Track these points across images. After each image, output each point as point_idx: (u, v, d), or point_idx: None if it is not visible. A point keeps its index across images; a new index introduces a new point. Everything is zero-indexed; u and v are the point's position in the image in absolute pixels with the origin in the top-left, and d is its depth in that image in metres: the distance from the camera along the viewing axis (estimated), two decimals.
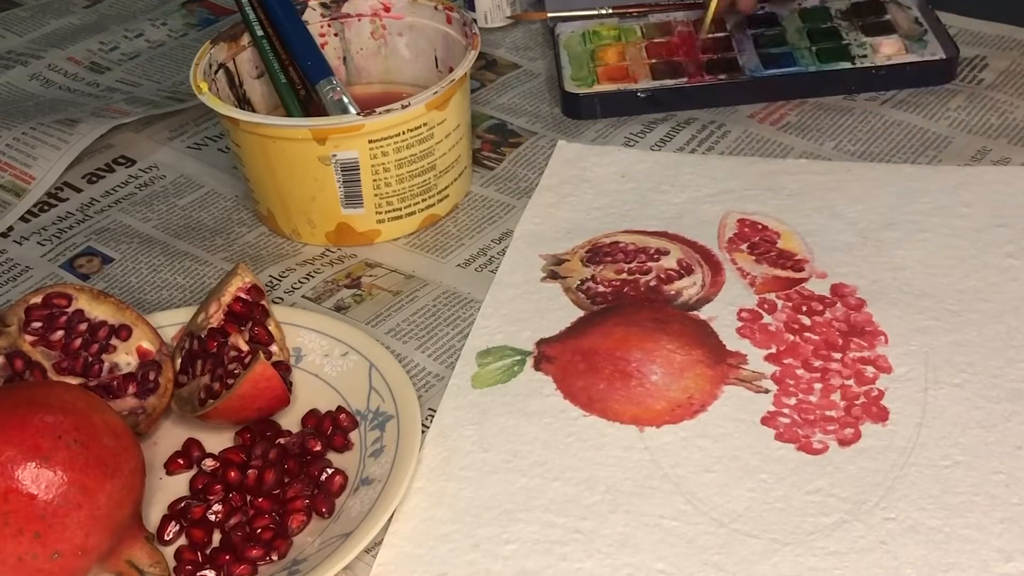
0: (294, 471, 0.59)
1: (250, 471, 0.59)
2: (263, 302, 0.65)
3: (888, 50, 0.83)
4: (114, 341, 0.63)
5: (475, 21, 0.79)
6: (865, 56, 0.83)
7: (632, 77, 0.84)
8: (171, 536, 0.57)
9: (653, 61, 0.85)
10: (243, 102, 0.78)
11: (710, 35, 0.86)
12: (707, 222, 0.73)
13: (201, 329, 0.64)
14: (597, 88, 0.83)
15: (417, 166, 0.72)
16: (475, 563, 0.55)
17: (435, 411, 0.62)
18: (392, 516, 0.57)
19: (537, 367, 0.64)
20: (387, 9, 0.80)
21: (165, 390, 0.62)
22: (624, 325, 0.66)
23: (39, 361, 0.61)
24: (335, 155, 0.70)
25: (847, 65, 0.82)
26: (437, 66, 0.80)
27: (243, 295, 0.64)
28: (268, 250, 0.75)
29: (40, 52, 0.97)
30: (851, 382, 0.62)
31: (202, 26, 1.00)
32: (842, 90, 0.83)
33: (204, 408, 0.61)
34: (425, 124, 0.71)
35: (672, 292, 0.68)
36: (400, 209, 0.73)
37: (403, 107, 0.69)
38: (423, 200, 0.74)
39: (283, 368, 0.63)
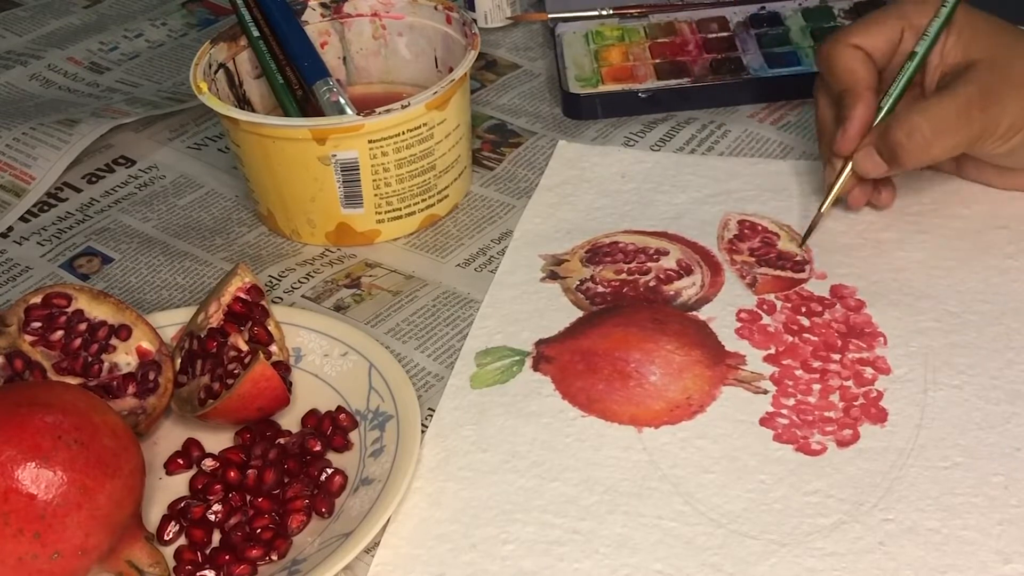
0: (294, 471, 0.59)
1: (250, 471, 0.59)
2: (263, 302, 0.65)
3: None
4: (114, 341, 0.63)
5: (475, 21, 0.79)
6: None
7: (637, 77, 0.84)
8: (171, 536, 0.58)
9: (657, 61, 0.85)
10: (243, 102, 0.78)
11: (712, 35, 0.86)
12: (707, 222, 0.73)
13: (201, 329, 0.64)
14: (600, 88, 0.83)
15: (417, 166, 0.72)
16: (473, 563, 0.55)
17: (434, 411, 0.63)
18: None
19: (536, 367, 0.64)
20: (387, 9, 0.80)
21: (165, 390, 0.62)
22: (623, 326, 0.66)
23: (39, 361, 0.61)
24: (335, 155, 0.70)
25: None
26: (437, 66, 0.80)
27: (243, 295, 0.65)
28: (268, 250, 0.75)
29: (40, 52, 0.97)
30: (850, 383, 0.62)
31: (202, 26, 1.00)
32: None
33: (204, 408, 0.61)
34: (425, 124, 0.71)
35: (671, 292, 0.68)
36: (400, 209, 0.73)
37: (403, 107, 0.69)
38: (423, 200, 0.74)
39: (283, 368, 0.63)
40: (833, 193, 0.70)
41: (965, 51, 0.68)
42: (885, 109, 0.68)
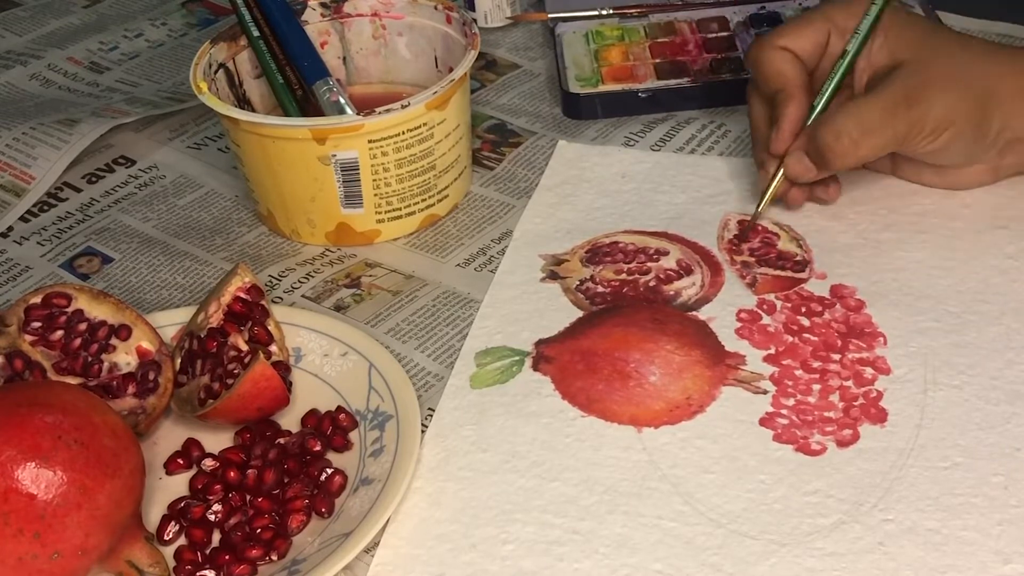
0: (294, 471, 0.59)
1: (250, 471, 0.59)
2: (263, 302, 0.65)
3: None
4: (114, 341, 0.63)
5: (475, 21, 0.79)
6: None
7: (637, 77, 0.84)
8: (171, 536, 0.58)
9: (658, 61, 0.85)
10: (243, 102, 0.78)
11: (712, 34, 0.86)
12: (707, 222, 0.73)
13: (201, 329, 0.64)
14: (600, 88, 0.83)
15: (417, 166, 0.72)
16: (473, 563, 0.55)
17: (434, 411, 0.63)
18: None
19: (536, 367, 0.64)
20: (387, 9, 0.80)
21: (165, 390, 0.62)
22: (623, 326, 0.66)
23: (39, 361, 0.61)
24: (335, 155, 0.70)
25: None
26: (437, 66, 0.80)
27: (243, 295, 0.65)
28: (268, 250, 0.75)
29: (40, 52, 0.97)
30: (850, 383, 0.62)
31: (202, 26, 1.00)
32: None
33: (204, 408, 0.61)
34: (425, 124, 0.71)
35: (671, 292, 0.68)
36: (400, 209, 0.73)
37: (403, 107, 0.69)
38: (423, 200, 0.74)
39: (283, 368, 0.63)
40: (768, 194, 0.70)
41: (892, 53, 0.68)
42: (818, 108, 0.69)
